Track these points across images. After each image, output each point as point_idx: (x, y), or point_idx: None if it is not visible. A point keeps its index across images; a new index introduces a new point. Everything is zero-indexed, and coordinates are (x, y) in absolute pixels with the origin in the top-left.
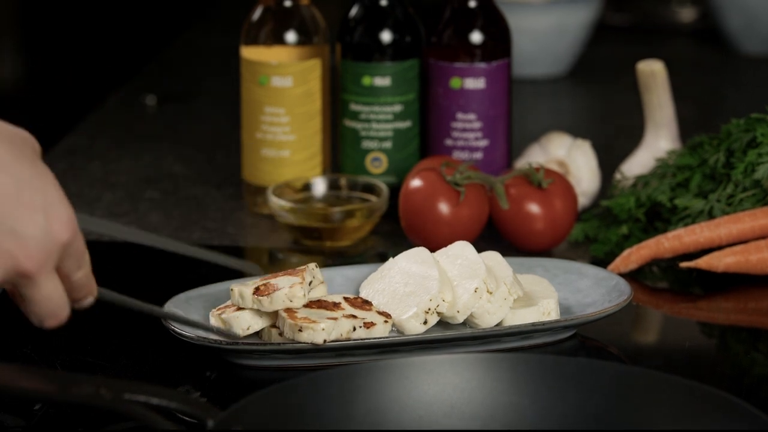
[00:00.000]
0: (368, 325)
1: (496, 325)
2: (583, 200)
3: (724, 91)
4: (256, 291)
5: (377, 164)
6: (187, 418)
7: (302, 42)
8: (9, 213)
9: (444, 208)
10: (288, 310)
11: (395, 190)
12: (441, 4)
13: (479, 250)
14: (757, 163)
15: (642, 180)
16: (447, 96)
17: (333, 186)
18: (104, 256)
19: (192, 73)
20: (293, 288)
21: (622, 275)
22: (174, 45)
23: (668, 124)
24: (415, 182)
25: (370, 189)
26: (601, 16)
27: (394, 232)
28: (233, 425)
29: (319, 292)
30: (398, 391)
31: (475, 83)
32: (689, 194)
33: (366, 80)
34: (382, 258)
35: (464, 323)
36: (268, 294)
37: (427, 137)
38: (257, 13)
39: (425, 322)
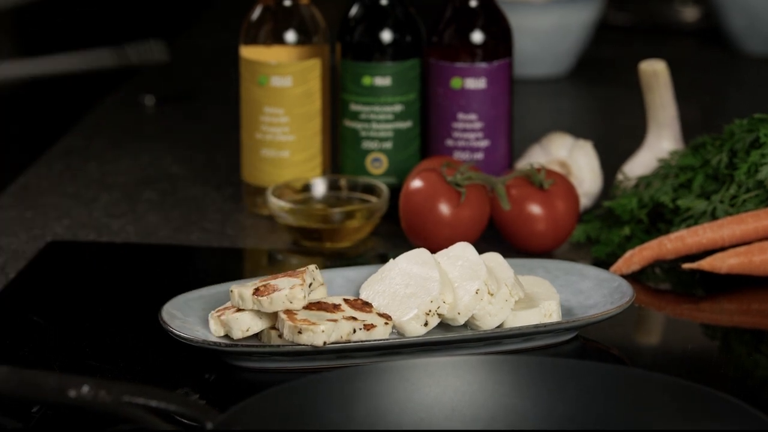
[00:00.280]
0: (368, 327)
1: (498, 327)
2: (584, 201)
3: (727, 91)
4: (256, 292)
5: (377, 165)
6: (186, 421)
7: (302, 42)
8: None
9: (445, 209)
10: (288, 311)
11: (395, 190)
12: (442, 3)
13: (480, 251)
14: (760, 163)
15: (644, 181)
16: (448, 96)
17: (333, 187)
18: (102, 257)
19: (191, 72)
20: (293, 289)
21: (624, 277)
22: (173, 44)
23: (671, 124)
24: (416, 183)
25: (371, 190)
26: (603, 16)
27: (394, 233)
28: (232, 427)
29: (319, 294)
30: (399, 394)
31: (476, 83)
32: (692, 195)
33: (366, 80)
34: (383, 259)
35: (465, 325)
36: (268, 295)
37: (427, 138)
38: (256, 13)
39: (426, 324)
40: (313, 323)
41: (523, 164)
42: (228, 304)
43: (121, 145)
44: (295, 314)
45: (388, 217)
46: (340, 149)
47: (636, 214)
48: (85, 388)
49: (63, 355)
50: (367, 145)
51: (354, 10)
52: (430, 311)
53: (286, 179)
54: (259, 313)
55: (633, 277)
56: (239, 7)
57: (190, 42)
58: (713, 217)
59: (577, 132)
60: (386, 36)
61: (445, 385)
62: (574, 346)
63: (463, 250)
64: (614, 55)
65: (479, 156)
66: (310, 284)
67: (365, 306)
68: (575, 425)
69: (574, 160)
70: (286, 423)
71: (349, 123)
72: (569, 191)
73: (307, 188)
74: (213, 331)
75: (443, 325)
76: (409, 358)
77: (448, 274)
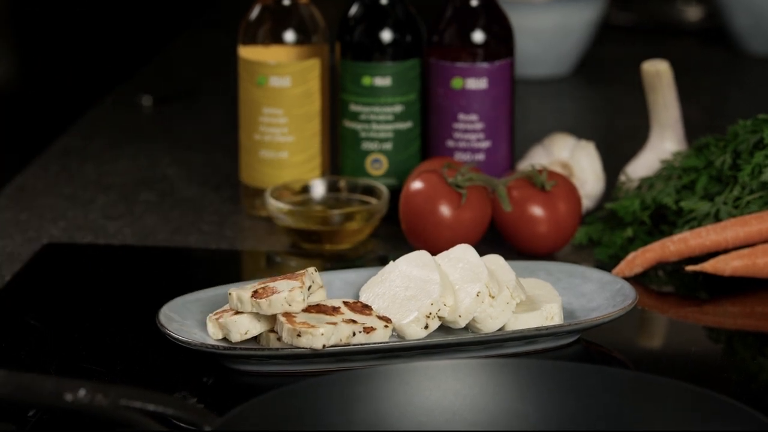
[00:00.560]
0: (368, 329)
1: (499, 330)
2: (587, 202)
3: (731, 91)
4: (255, 294)
5: (377, 166)
6: (183, 425)
7: (301, 41)
8: None
9: (445, 210)
10: (287, 314)
11: (396, 192)
12: (442, 2)
13: (481, 253)
14: (764, 164)
15: (647, 182)
16: (448, 96)
17: (332, 188)
18: (99, 260)
19: (189, 73)
20: (292, 292)
21: (627, 279)
22: (171, 45)
23: (674, 125)
24: (416, 184)
25: (370, 191)
26: (606, 16)
27: (394, 235)
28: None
29: (318, 296)
30: (399, 398)
31: (477, 83)
32: (695, 197)
33: (366, 80)
34: (383, 261)
35: (466, 328)
36: (267, 297)
37: (428, 138)
38: (255, 12)
39: (426, 327)
40: (313, 326)
41: (524, 165)
42: (226, 306)
43: (119, 146)
44: (294, 317)
45: (388, 218)
46: (339, 150)
47: (639, 215)
48: (82, 392)
49: (59, 359)
50: (366, 146)
51: (354, 10)
52: (430, 314)
53: (284, 180)
54: (257, 315)
55: (636, 280)
56: (238, 7)
57: (188, 41)
58: (717, 218)
59: (579, 133)
60: (386, 35)
61: (445, 388)
62: (576, 350)
63: (464, 252)
64: (617, 55)
65: (480, 157)
66: (309, 287)
67: (365, 309)
68: (577, 429)
69: (576, 161)
70: (284, 427)
71: (348, 123)
72: (571, 193)
73: (306, 190)
74: (211, 334)
75: (444, 328)
76: (410, 362)
77: (449, 277)
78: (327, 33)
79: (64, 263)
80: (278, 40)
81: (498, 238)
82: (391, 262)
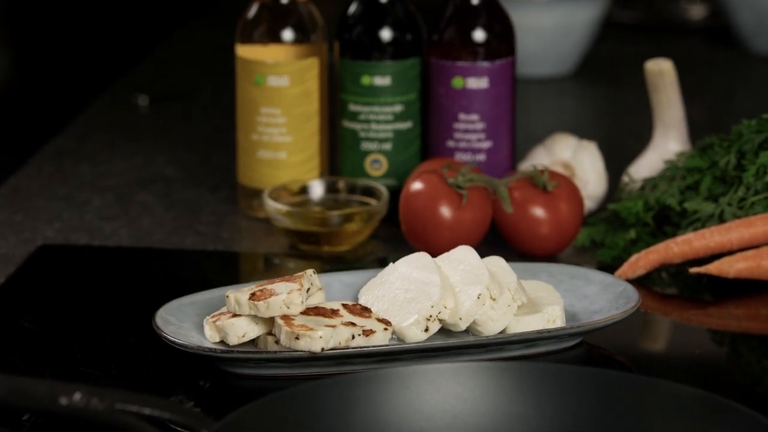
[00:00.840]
0: (367, 332)
1: (500, 332)
2: (589, 203)
3: (735, 90)
4: (252, 296)
5: (377, 166)
6: (180, 429)
7: (299, 40)
8: None
9: (446, 211)
10: (285, 317)
11: (395, 193)
12: (443, 0)
13: (482, 254)
14: None
15: (650, 183)
16: (449, 96)
17: (331, 189)
18: (95, 261)
19: (186, 72)
20: (291, 294)
21: (630, 281)
22: (167, 43)
23: (677, 124)
24: (416, 185)
25: (370, 192)
26: (608, 14)
27: (394, 237)
28: None
29: (316, 299)
30: (399, 401)
31: (477, 83)
32: (699, 197)
33: (365, 80)
34: (382, 263)
35: (467, 331)
36: (265, 299)
37: (428, 138)
38: (253, 11)
39: (426, 330)
40: (311, 329)
41: (526, 166)
42: (223, 309)
43: (115, 146)
44: (293, 320)
45: (387, 220)
46: (338, 150)
47: (642, 216)
48: (77, 396)
49: (54, 362)
50: (366, 146)
51: (353, 8)
52: (430, 316)
53: (283, 181)
54: (255, 318)
55: (639, 282)
56: (235, 5)
57: (185, 40)
58: (721, 220)
59: (582, 133)
60: (386, 34)
61: (446, 392)
62: (579, 352)
63: (465, 253)
64: (619, 54)
65: (481, 157)
66: (308, 289)
67: (364, 311)
68: None
69: (578, 161)
70: (282, 431)
71: (347, 123)
72: (573, 193)
73: (304, 190)
74: (208, 337)
75: (444, 330)
76: (410, 365)
77: (449, 279)
78: (326, 32)
79: (59, 265)
80: (276, 38)
81: (499, 240)
82: (391, 264)
